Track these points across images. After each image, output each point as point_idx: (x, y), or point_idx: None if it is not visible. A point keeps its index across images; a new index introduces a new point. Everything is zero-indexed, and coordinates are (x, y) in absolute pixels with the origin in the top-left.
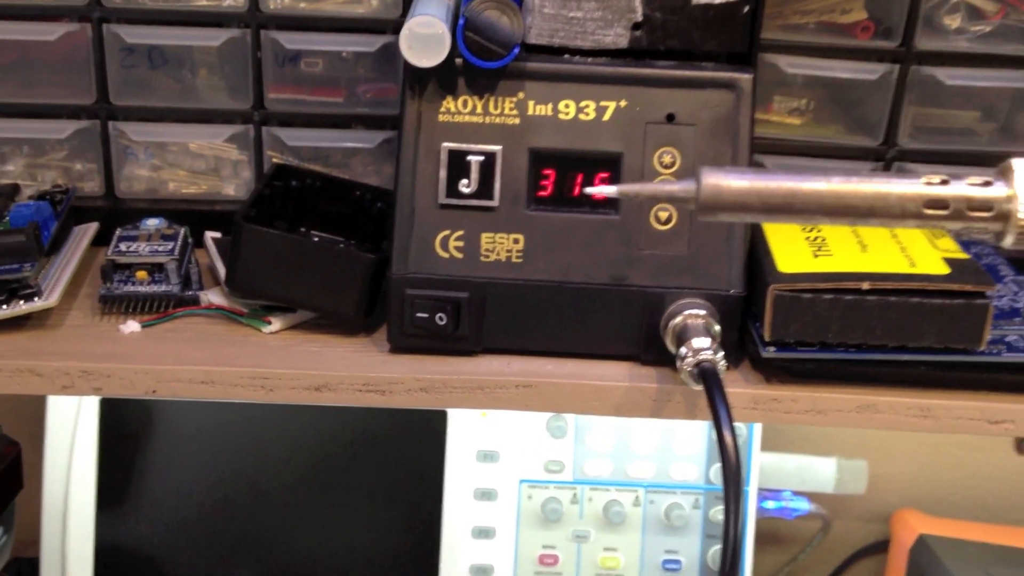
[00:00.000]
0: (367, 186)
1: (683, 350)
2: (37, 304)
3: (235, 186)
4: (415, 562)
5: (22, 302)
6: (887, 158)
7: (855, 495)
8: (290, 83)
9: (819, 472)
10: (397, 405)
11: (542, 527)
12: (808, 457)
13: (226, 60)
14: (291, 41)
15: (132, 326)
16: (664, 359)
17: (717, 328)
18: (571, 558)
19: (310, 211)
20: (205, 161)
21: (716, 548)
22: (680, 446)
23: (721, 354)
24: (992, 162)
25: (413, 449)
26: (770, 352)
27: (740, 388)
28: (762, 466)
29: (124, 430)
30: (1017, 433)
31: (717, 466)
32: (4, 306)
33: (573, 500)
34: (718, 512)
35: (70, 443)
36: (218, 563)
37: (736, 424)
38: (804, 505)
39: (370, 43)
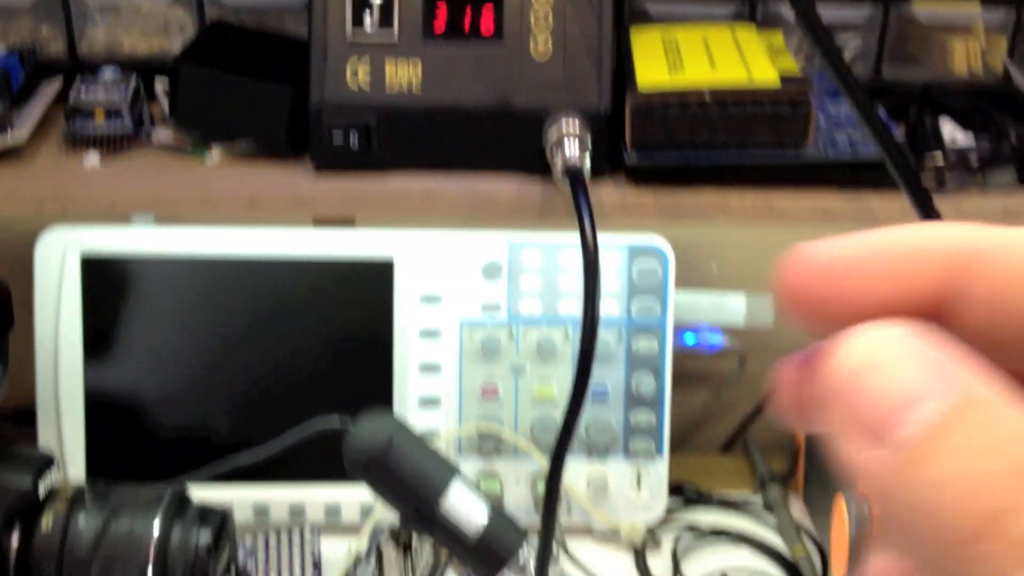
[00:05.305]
0: (296, 39)
1: (556, 158)
2: (7, 139)
3: (182, 44)
4: (370, 395)
5: None
6: None
7: (765, 330)
8: None
9: (730, 306)
10: (319, 215)
11: (483, 362)
12: (719, 294)
13: None
14: None
15: (92, 159)
16: (551, 173)
17: (588, 139)
18: (510, 389)
19: (243, 59)
20: (155, 21)
21: (639, 376)
22: (604, 284)
23: (587, 154)
24: None
25: (364, 295)
26: (632, 156)
27: (612, 195)
28: (677, 303)
29: (105, 286)
30: (844, 228)
31: (637, 299)
32: None
33: (509, 337)
34: (640, 342)
35: (56, 299)
36: (195, 405)
37: (646, 247)
38: (720, 339)
39: None
